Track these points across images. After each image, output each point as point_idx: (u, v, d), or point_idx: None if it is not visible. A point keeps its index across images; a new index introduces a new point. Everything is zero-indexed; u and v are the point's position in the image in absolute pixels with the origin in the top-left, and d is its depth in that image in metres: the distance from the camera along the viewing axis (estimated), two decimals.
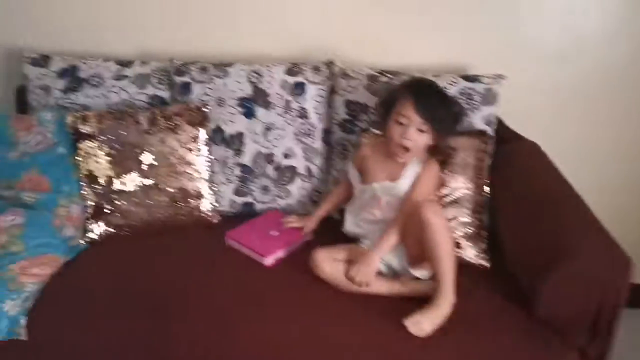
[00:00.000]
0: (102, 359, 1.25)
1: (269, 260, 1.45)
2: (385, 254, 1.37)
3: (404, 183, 1.44)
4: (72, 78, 1.67)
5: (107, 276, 1.40)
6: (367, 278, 1.32)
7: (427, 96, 1.41)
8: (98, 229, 1.51)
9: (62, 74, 1.68)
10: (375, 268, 1.34)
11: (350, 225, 1.51)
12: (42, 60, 1.70)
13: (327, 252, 1.37)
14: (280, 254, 1.48)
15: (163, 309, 1.28)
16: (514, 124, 1.70)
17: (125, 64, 1.70)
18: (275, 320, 1.27)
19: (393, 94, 1.47)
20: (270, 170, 1.67)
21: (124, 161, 1.52)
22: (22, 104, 1.79)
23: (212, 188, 1.62)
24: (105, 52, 1.81)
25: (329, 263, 1.34)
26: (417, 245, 1.34)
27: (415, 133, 1.38)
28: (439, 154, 1.47)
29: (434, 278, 1.29)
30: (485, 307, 1.31)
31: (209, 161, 1.61)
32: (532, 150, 1.68)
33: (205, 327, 1.24)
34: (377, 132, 1.56)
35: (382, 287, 1.35)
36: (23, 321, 1.24)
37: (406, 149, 1.40)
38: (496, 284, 1.39)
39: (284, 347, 1.22)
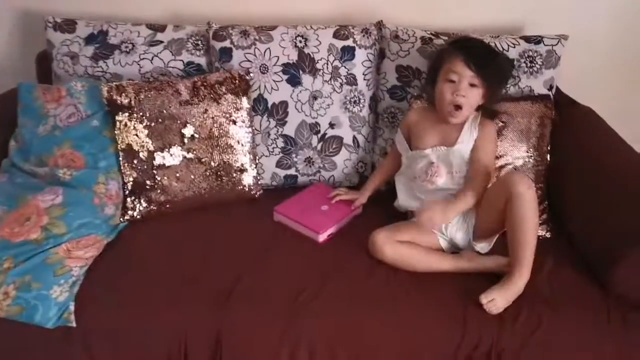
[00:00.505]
0: (158, 344, 1.18)
1: (322, 237, 1.38)
2: (459, 213, 1.29)
3: (462, 148, 1.36)
4: (101, 44, 1.55)
5: (152, 257, 1.32)
6: (438, 224, 1.26)
7: (475, 49, 1.37)
8: (138, 206, 1.42)
9: (90, 39, 1.56)
10: (449, 220, 1.28)
11: (404, 199, 1.43)
12: (67, 25, 1.58)
13: (388, 234, 1.29)
14: (332, 229, 1.41)
15: (219, 292, 1.21)
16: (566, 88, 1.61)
17: (157, 28, 1.58)
18: (345, 300, 1.20)
19: (440, 53, 1.41)
20: (315, 141, 1.57)
21: (164, 134, 1.42)
22: (45, 72, 1.68)
23: (255, 161, 1.53)
24: (132, 15, 1.69)
25: (391, 246, 1.27)
26: (489, 217, 1.28)
27: (467, 88, 1.32)
28: (491, 114, 1.41)
29: (512, 252, 1.21)
30: (556, 281, 1.25)
31: (250, 132, 1.51)
32: (589, 116, 1.60)
33: (271, 314, 1.17)
34: (425, 100, 1.49)
35: (446, 263, 1.28)
36: (72, 307, 1.16)
37: (459, 107, 1.33)
38: (561, 256, 1.33)
39: (362, 330, 1.16)
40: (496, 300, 1.16)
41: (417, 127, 1.44)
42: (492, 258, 1.30)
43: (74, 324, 1.15)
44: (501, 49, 1.50)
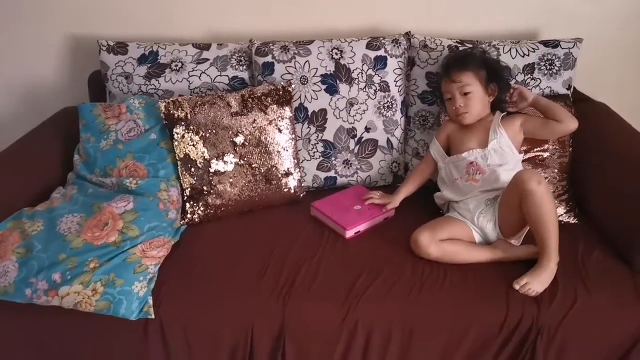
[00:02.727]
0: (226, 333, 1.30)
1: (349, 233, 1.49)
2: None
3: (494, 145, 1.50)
4: (153, 64, 1.69)
5: (214, 255, 1.43)
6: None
7: (449, 64, 1.56)
8: (197, 210, 1.55)
9: (142, 60, 1.70)
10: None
11: (447, 192, 1.54)
12: (119, 48, 1.71)
13: (430, 233, 1.38)
14: (361, 227, 1.52)
15: (281, 284, 1.32)
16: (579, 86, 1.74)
17: (202, 47, 1.71)
18: (396, 287, 1.32)
19: (437, 81, 1.61)
20: (352, 144, 1.70)
21: (218, 143, 1.55)
22: (96, 92, 1.82)
23: (298, 165, 1.65)
24: (176, 36, 1.83)
25: (436, 245, 1.37)
26: (510, 217, 1.39)
27: (461, 98, 1.51)
28: (504, 104, 1.56)
29: (538, 241, 1.33)
30: (587, 263, 1.37)
31: (293, 139, 1.64)
32: (604, 111, 1.73)
33: (330, 302, 1.29)
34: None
35: (484, 255, 1.40)
36: (150, 301, 1.29)
37: (464, 114, 1.52)
38: (589, 240, 1.45)
39: (414, 313, 1.28)
40: (530, 284, 1.28)
41: (454, 136, 1.58)
42: (524, 247, 1.42)
43: (153, 316, 1.27)
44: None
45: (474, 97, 1.51)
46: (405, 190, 1.60)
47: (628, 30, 1.83)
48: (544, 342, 1.26)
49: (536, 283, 1.27)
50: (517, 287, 1.28)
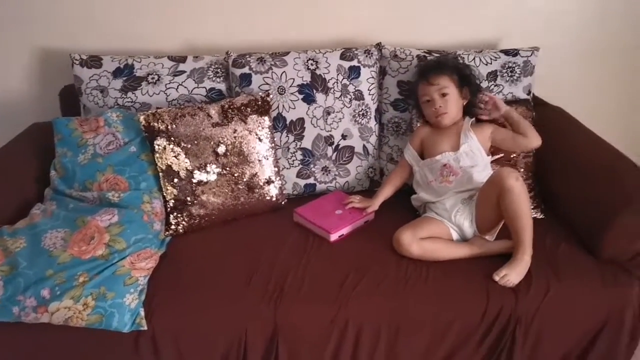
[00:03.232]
0: (218, 340, 1.32)
1: (333, 237, 1.55)
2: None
3: (465, 149, 1.60)
4: (129, 77, 1.69)
5: (202, 264, 1.45)
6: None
7: (425, 69, 1.66)
8: (181, 221, 1.56)
9: (117, 73, 1.69)
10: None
11: (424, 196, 1.61)
12: (93, 61, 1.71)
13: (411, 233, 1.45)
14: (344, 230, 1.57)
15: (271, 289, 1.36)
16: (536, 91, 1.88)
17: (178, 59, 1.73)
18: (382, 285, 1.38)
19: (412, 88, 1.71)
20: (329, 151, 1.75)
21: (200, 154, 1.56)
22: (68, 106, 1.80)
23: (279, 173, 1.69)
24: (149, 49, 1.83)
25: (417, 244, 1.44)
26: (487, 213, 1.48)
27: (440, 99, 1.60)
28: (474, 108, 1.66)
29: (514, 235, 1.42)
30: (556, 255, 1.47)
31: (273, 147, 1.68)
32: (561, 115, 1.86)
33: (320, 303, 1.34)
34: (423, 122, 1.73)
35: (462, 251, 1.48)
36: (142, 312, 1.29)
37: (444, 114, 1.60)
38: (555, 233, 1.56)
39: (400, 309, 1.34)
40: (508, 276, 1.37)
41: (427, 141, 1.67)
42: (499, 242, 1.51)
43: (145, 328, 1.27)
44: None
45: (451, 99, 1.60)
46: (383, 194, 1.66)
47: (580, 40, 1.99)
48: (522, 331, 1.35)
49: (514, 274, 1.36)
50: (496, 278, 1.36)
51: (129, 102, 1.69)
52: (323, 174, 1.76)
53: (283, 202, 1.70)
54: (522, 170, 1.66)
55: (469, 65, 1.71)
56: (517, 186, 1.38)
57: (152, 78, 1.70)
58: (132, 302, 1.27)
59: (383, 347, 1.35)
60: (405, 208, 1.67)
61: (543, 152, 1.71)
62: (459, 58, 1.73)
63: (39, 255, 1.29)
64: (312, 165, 1.75)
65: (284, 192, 1.72)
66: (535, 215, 1.63)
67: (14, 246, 1.31)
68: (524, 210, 1.39)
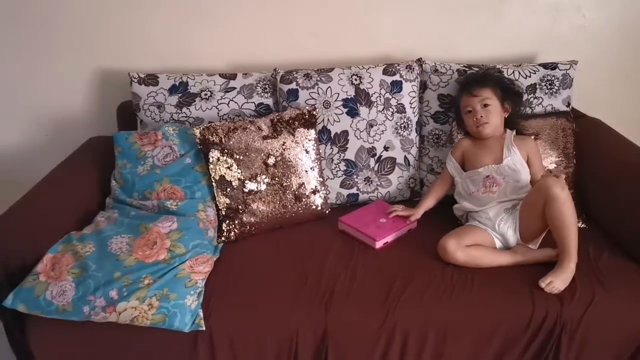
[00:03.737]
0: (271, 342, 1.38)
1: (379, 244, 1.60)
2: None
3: (508, 162, 1.64)
4: (184, 94, 1.79)
5: (255, 269, 1.52)
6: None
7: (469, 81, 1.72)
8: (233, 228, 1.64)
9: (173, 90, 1.80)
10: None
11: (466, 205, 1.66)
12: (150, 79, 1.82)
13: (456, 240, 1.50)
14: (389, 238, 1.63)
15: (322, 294, 1.41)
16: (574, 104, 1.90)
17: (229, 76, 1.83)
18: (428, 292, 1.42)
19: (454, 100, 1.76)
20: (372, 162, 1.82)
21: (251, 165, 1.65)
22: (125, 121, 1.91)
23: (324, 183, 1.76)
24: (198, 68, 1.94)
25: (462, 251, 1.48)
26: (532, 220, 1.51)
27: (482, 110, 1.66)
28: (519, 123, 1.71)
29: (559, 243, 1.45)
30: (599, 263, 1.50)
31: (319, 159, 1.75)
32: (600, 125, 1.89)
33: (369, 308, 1.39)
34: (465, 134, 1.78)
35: (506, 258, 1.52)
36: (201, 313, 1.36)
37: (485, 124, 1.65)
38: (597, 242, 1.58)
39: (447, 315, 1.39)
40: (554, 283, 1.40)
41: (469, 153, 1.72)
42: (542, 250, 1.54)
43: (204, 328, 1.35)
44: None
45: (493, 110, 1.66)
46: (426, 204, 1.72)
47: (615, 53, 2.02)
48: (567, 337, 1.38)
49: (559, 281, 1.39)
50: (542, 285, 1.39)
51: (183, 117, 1.79)
52: (365, 184, 1.83)
53: (327, 211, 1.77)
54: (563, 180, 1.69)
55: (513, 81, 1.76)
56: (563, 195, 1.42)
57: (205, 94, 1.80)
58: (192, 304, 1.35)
59: (429, 352, 1.39)
60: (447, 217, 1.72)
61: (583, 162, 1.75)
62: (502, 71, 1.78)
63: (107, 259, 1.38)
64: (355, 176, 1.82)
65: (328, 201, 1.79)
66: (579, 225, 1.65)
67: (83, 250, 1.41)
68: (570, 218, 1.42)
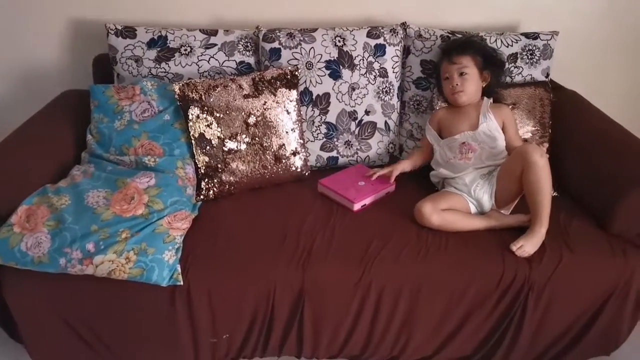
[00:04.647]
0: (248, 298, 1.41)
1: (357, 206, 1.62)
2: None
3: (484, 128, 1.67)
4: (163, 48, 1.75)
5: (233, 227, 1.52)
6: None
7: (450, 47, 1.71)
8: (211, 186, 1.63)
9: (151, 44, 1.75)
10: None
11: (442, 171, 1.68)
12: (127, 32, 1.76)
13: (432, 204, 1.53)
14: (367, 200, 1.65)
15: (299, 251, 1.44)
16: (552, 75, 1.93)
17: (210, 32, 1.79)
18: (404, 251, 1.46)
19: (435, 66, 1.76)
20: (353, 126, 1.82)
21: (231, 124, 1.63)
22: (101, 75, 1.86)
23: (304, 145, 1.76)
24: (179, 22, 1.89)
25: (437, 214, 1.51)
26: (509, 185, 1.55)
27: (458, 78, 1.67)
28: (497, 92, 1.73)
29: (532, 209, 1.50)
30: (569, 229, 1.55)
31: (300, 120, 1.75)
32: (576, 98, 1.93)
33: (345, 266, 1.42)
34: (444, 101, 1.79)
35: (480, 223, 1.56)
36: (179, 268, 1.37)
37: (460, 92, 1.66)
38: (568, 209, 1.63)
39: (420, 274, 1.43)
40: (524, 247, 1.45)
41: (445, 121, 1.73)
42: (514, 216, 1.58)
43: (181, 283, 1.36)
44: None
45: (469, 79, 1.67)
46: (402, 165, 1.72)
47: (596, 25, 2.05)
48: (534, 297, 1.44)
49: (530, 245, 1.44)
50: (513, 248, 1.44)
51: (162, 72, 1.76)
52: (345, 147, 1.84)
53: (307, 174, 1.78)
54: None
55: (496, 50, 1.77)
56: (542, 162, 1.46)
57: (185, 50, 1.76)
58: (170, 259, 1.36)
59: (403, 309, 1.44)
60: (425, 183, 1.74)
61: (558, 132, 1.79)
62: (484, 39, 1.79)
63: (84, 212, 1.37)
64: (335, 139, 1.82)
65: (308, 163, 1.79)
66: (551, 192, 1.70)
67: (59, 203, 1.39)
68: (545, 185, 1.46)
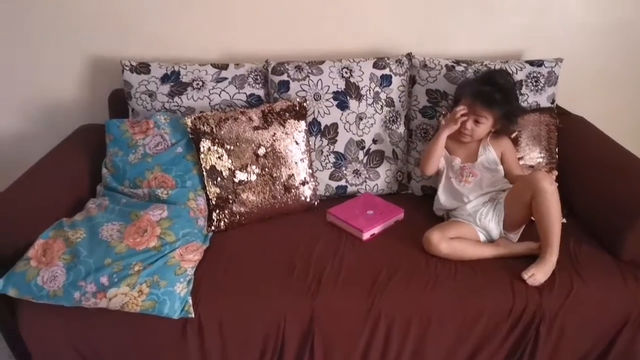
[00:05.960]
0: (258, 328, 1.42)
1: (366, 235, 1.63)
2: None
3: (482, 161, 1.70)
4: (175, 83, 1.81)
5: (244, 258, 1.54)
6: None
7: (483, 95, 1.63)
8: (223, 217, 1.66)
9: (165, 79, 1.81)
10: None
11: (445, 200, 1.70)
12: (142, 68, 1.83)
13: (440, 233, 1.54)
14: (376, 230, 1.67)
15: (309, 282, 1.45)
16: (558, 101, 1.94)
17: (221, 67, 1.85)
18: (413, 281, 1.46)
19: (459, 88, 1.75)
20: (361, 155, 1.85)
21: (242, 155, 1.67)
22: (117, 109, 1.92)
23: (313, 175, 1.79)
24: (190, 58, 1.95)
25: (446, 243, 1.52)
26: (517, 211, 1.56)
27: (472, 124, 1.65)
28: (500, 134, 1.72)
29: (542, 237, 1.50)
30: (579, 256, 1.54)
31: (308, 150, 1.78)
32: (583, 123, 1.94)
33: (355, 296, 1.43)
34: None
35: (489, 251, 1.56)
36: (190, 301, 1.39)
37: (468, 136, 1.67)
38: (577, 236, 1.62)
39: (430, 303, 1.43)
40: (535, 275, 1.44)
41: (449, 142, 1.74)
42: (524, 244, 1.58)
43: (193, 315, 1.38)
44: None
45: (482, 128, 1.66)
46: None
47: (600, 53, 2.06)
48: (546, 326, 1.43)
49: (540, 274, 1.44)
50: (525, 277, 1.43)
51: (175, 106, 1.81)
52: (354, 176, 1.86)
53: (316, 203, 1.80)
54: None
55: (522, 108, 1.76)
56: (551, 189, 1.46)
57: (197, 84, 1.81)
58: (181, 291, 1.38)
59: (412, 339, 1.44)
60: (432, 212, 1.76)
61: (565, 158, 1.79)
62: (483, 69, 1.80)
63: (98, 246, 1.40)
64: (344, 168, 1.85)
65: (317, 193, 1.81)
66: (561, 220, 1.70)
67: (74, 237, 1.42)
68: (555, 213, 1.47)
